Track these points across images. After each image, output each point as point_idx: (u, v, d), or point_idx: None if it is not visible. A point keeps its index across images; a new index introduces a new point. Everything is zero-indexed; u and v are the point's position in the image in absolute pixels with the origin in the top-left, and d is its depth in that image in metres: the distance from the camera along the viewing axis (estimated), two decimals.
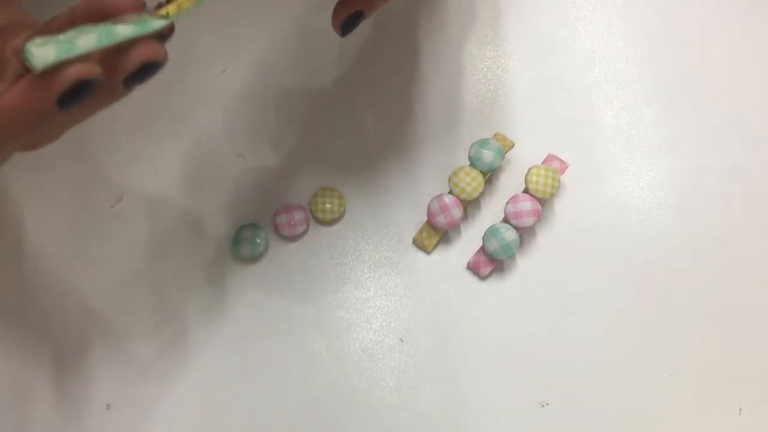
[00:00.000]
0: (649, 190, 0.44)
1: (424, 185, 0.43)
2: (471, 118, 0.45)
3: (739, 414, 0.40)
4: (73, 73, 0.24)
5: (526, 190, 0.41)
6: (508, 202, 0.41)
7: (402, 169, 0.44)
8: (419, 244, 0.42)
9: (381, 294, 0.42)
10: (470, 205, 0.43)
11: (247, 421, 0.39)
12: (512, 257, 0.42)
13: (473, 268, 0.42)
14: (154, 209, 0.43)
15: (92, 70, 0.24)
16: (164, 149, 0.44)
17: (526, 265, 0.42)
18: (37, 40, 0.23)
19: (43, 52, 0.23)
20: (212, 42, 0.46)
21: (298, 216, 0.42)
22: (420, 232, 0.42)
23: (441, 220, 0.41)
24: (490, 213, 0.43)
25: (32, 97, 0.24)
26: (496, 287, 0.42)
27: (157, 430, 0.39)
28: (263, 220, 0.42)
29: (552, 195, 0.41)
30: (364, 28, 0.46)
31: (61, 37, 0.24)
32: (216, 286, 0.41)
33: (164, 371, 0.40)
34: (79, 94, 0.24)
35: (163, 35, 0.26)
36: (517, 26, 0.47)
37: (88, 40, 0.24)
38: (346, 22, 0.34)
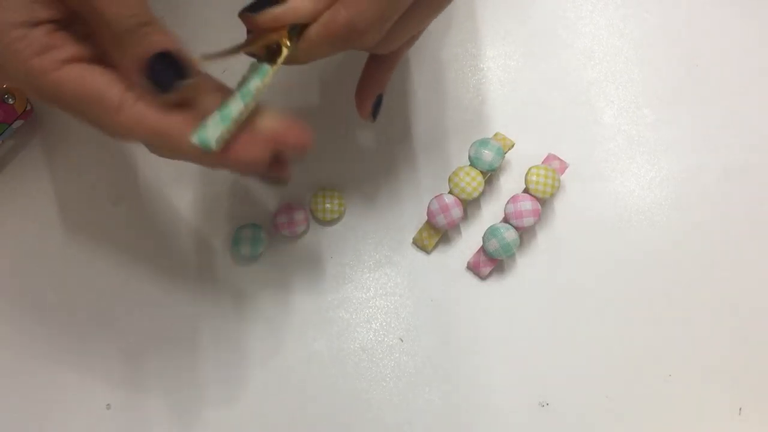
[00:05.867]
0: (649, 190, 0.44)
1: (424, 185, 0.43)
2: (471, 118, 0.45)
3: (739, 414, 0.40)
4: (249, 157, 0.28)
5: (526, 190, 0.41)
6: (508, 202, 0.41)
7: (402, 169, 0.44)
8: (419, 244, 0.42)
9: (381, 294, 0.42)
10: (470, 205, 0.43)
11: (246, 420, 0.39)
12: (512, 257, 0.42)
13: (473, 268, 0.42)
14: (154, 209, 0.43)
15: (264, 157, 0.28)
16: None
17: (526, 265, 0.42)
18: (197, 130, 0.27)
19: (206, 135, 0.27)
20: (212, 43, 0.46)
21: (298, 216, 0.42)
22: (420, 232, 0.42)
23: (441, 220, 0.41)
24: (490, 213, 0.43)
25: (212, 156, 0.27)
26: (496, 287, 0.42)
27: (157, 430, 0.39)
28: (263, 220, 0.42)
29: (552, 195, 0.41)
30: None
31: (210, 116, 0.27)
32: (216, 286, 0.41)
33: (164, 371, 0.40)
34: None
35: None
36: (517, 26, 0.47)
37: (235, 105, 0.28)
38: (375, 111, 0.38)
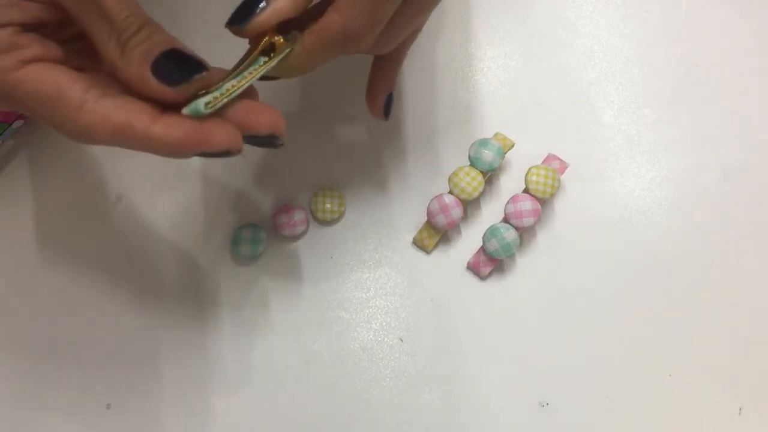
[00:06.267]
0: (649, 190, 0.44)
1: (424, 185, 0.43)
2: (471, 118, 0.45)
3: (739, 414, 0.40)
4: (224, 141, 0.27)
5: (526, 190, 0.41)
6: (508, 202, 0.41)
7: (402, 169, 0.44)
8: (419, 244, 0.42)
9: (381, 294, 0.42)
10: (470, 205, 0.43)
11: (246, 420, 0.39)
12: (512, 257, 0.42)
13: (473, 268, 0.42)
14: (154, 209, 0.43)
15: (239, 143, 0.28)
16: None
17: (526, 265, 0.42)
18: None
19: (196, 104, 0.27)
20: (211, 42, 0.46)
21: (298, 216, 0.42)
22: (420, 232, 0.42)
23: (441, 220, 0.41)
24: (490, 213, 0.43)
25: (180, 140, 0.27)
26: (496, 287, 0.42)
27: (157, 430, 0.39)
28: (263, 220, 0.42)
29: (552, 195, 0.41)
30: None
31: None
32: (216, 286, 0.41)
33: (164, 371, 0.40)
34: (218, 155, 0.28)
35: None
36: (517, 26, 0.47)
37: (228, 81, 0.28)
38: (386, 109, 0.38)
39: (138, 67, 0.27)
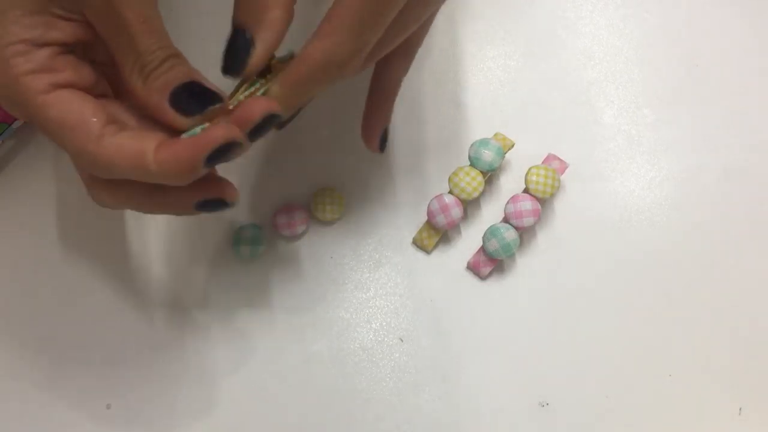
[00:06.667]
0: (649, 190, 0.44)
1: (424, 185, 0.43)
2: (471, 118, 0.45)
3: (739, 414, 0.40)
4: (221, 135, 0.27)
5: (526, 190, 0.41)
6: (508, 202, 0.41)
7: (402, 168, 0.44)
8: (419, 244, 0.42)
9: (381, 294, 0.42)
10: (470, 205, 0.43)
11: (246, 420, 0.39)
12: (512, 257, 0.42)
13: (473, 268, 0.42)
14: None
15: (237, 133, 0.27)
16: None
17: (526, 265, 0.42)
18: None
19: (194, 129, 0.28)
20: (212, 43, 0.46)
21: (298, 216, 0.42)
22: (420, 232, 0.42)
23: (441, 220, 0.41)
24: (490, 213, 0.43)
25: (183, 155, 0.27)
26: (496, 287, 0.42)
27: (157, 430, 0.39)
28: (263, 220, 0.42)
29: (552, 195, 0.41)
30: None
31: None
32: (216, 286, 0.41)
33: (164, 371, 0.40)
34: (224, 153, 0.27)
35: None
36: (517, 26, 0.47)
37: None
38: (381, 144, 0.38)
39: (157, 97, 0.28)
